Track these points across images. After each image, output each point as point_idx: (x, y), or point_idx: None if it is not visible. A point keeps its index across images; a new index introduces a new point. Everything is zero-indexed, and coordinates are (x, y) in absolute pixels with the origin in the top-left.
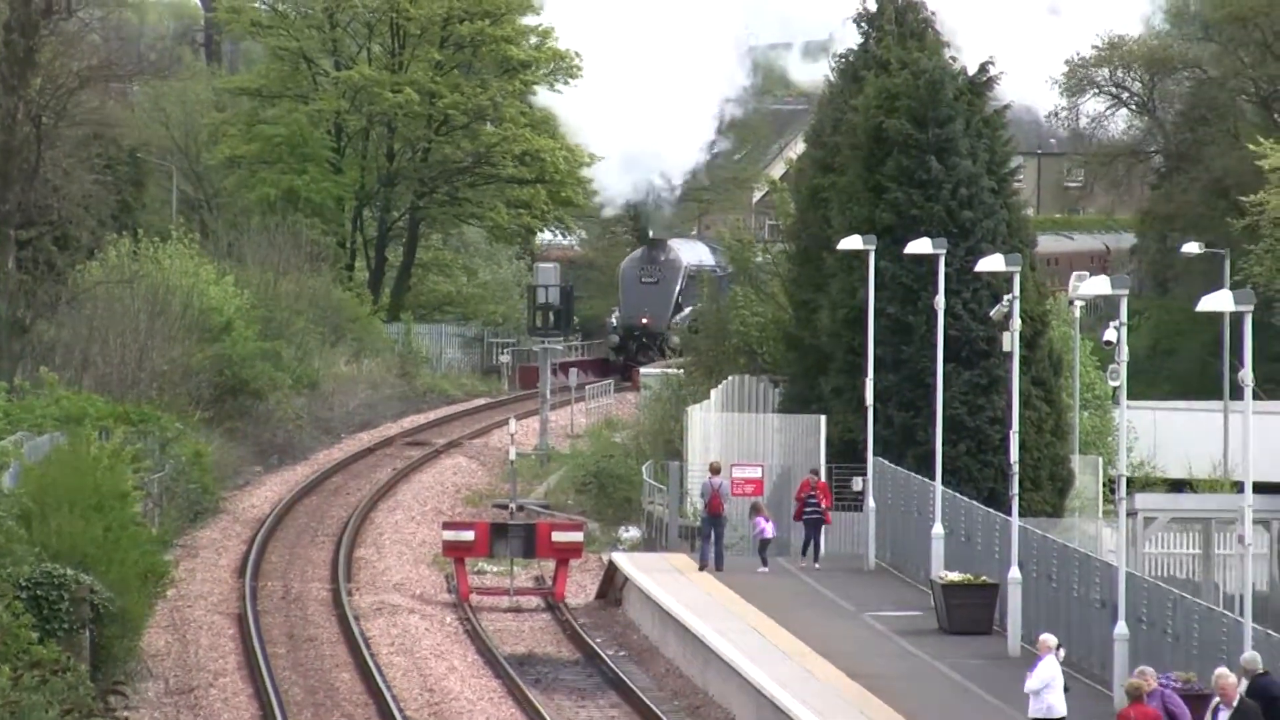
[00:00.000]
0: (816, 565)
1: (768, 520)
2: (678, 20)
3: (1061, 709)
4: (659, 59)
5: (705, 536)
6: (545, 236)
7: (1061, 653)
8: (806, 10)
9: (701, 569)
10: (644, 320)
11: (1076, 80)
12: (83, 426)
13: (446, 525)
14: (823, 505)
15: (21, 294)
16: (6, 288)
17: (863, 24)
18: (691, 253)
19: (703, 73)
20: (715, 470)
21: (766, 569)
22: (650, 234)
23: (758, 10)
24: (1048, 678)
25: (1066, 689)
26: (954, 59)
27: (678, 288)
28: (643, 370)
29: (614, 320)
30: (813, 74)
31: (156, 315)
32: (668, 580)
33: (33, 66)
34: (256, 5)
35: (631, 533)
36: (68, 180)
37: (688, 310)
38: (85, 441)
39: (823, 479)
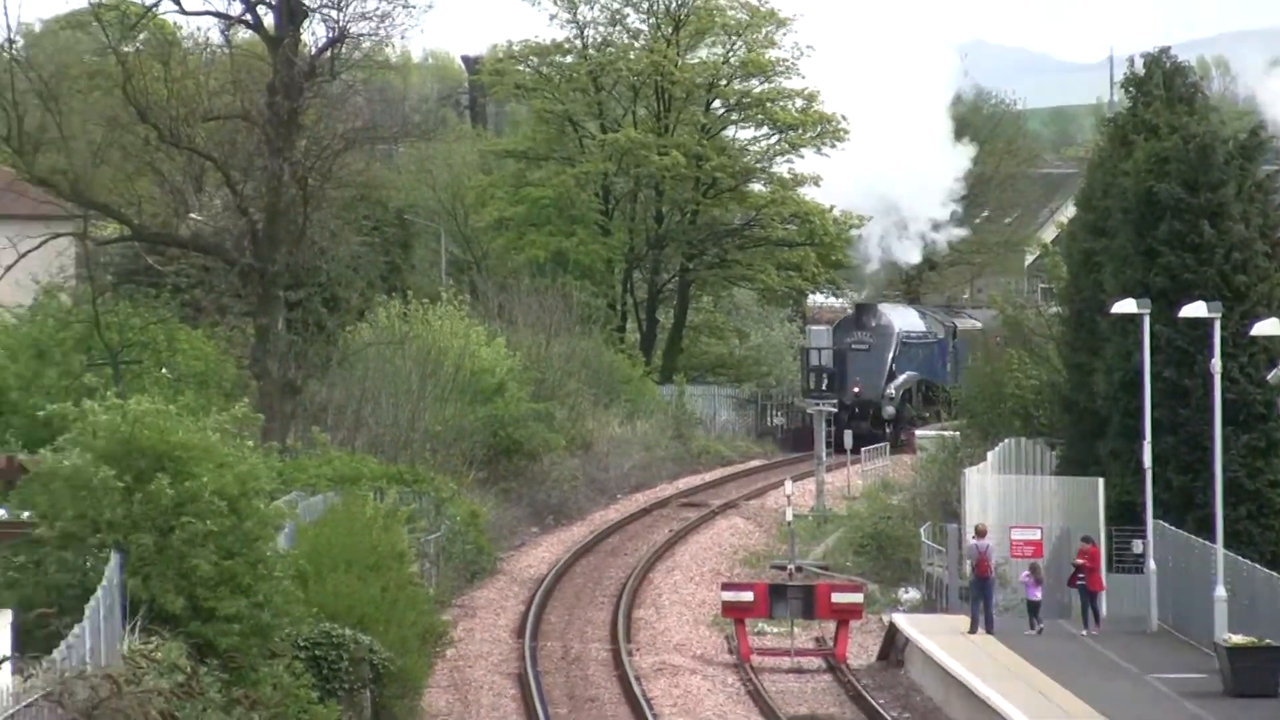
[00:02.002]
0: (1087, 632)
1: (1037, 583)
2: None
3: None
4: (901, 117)
5: (974, 599)
6: (817, 299)
7: None
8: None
9: (971, 631)
10: (855, 389)
11: None
12: (358, 486)
13: (725, 586)
14: (1087, 572)
15: (292, 355)
16: (277, 348)
17: (1131, 88)
18: (903, 319)
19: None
20: (981, 533)
21: (1032, 631)
22: (858, 299)
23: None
24: None
25: None
26: (1222, 123)
27: (890, 354)
28: (918, 432)
29: None
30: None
31: (428, 376)
32: (949, 642)
33: (297, 129)
34: (520, 68)
35: (911, 594)
36: (335, 242)
37: (902, 378)
38: (360, 501)
39: (1093, 545)
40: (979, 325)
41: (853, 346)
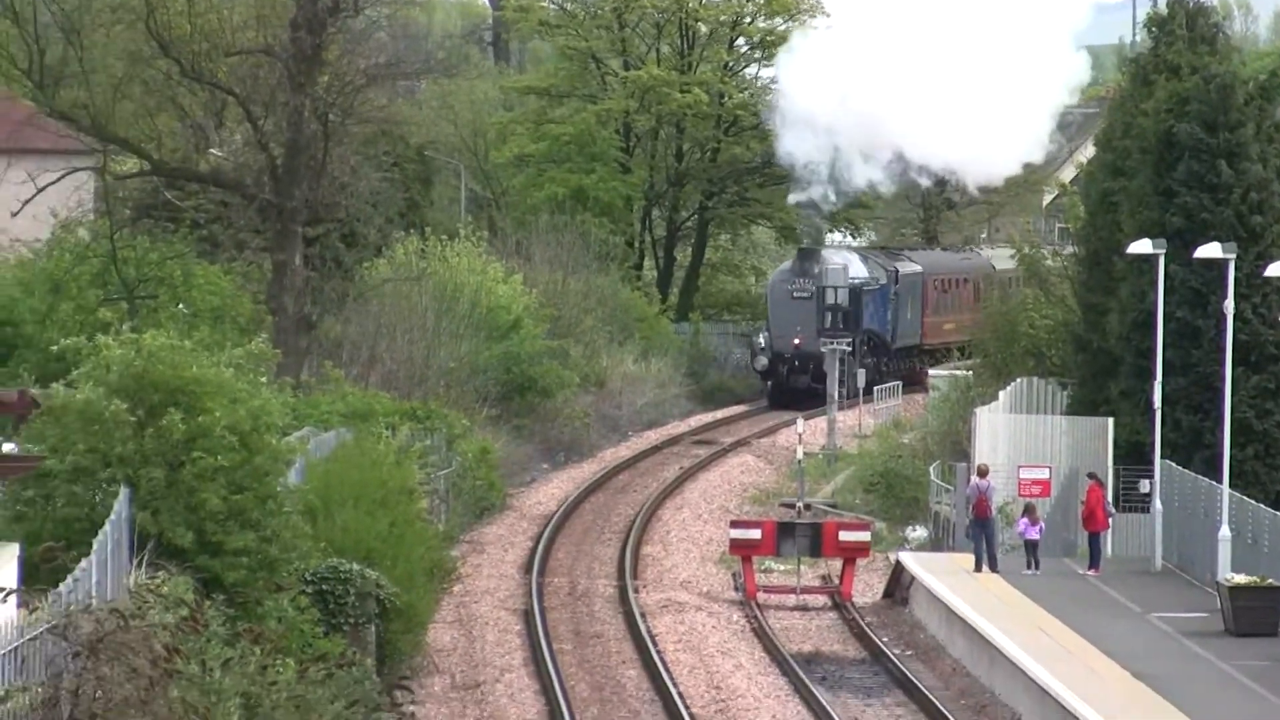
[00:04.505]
0: (1089, 571)
1: (1033, 523)
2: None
3: None
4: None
5: (976, 538)
6: (834, 237)
7: None
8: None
9: (976, 570)
10: (796, 341)
11: None
12: (369, 423)
13: (734, 524)
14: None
15: (309, 290)
16: (294, 284)
17: (1153, 28)
18: (847, 265)
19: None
20: (982, 473)
21: (1032, 571)
22: (802, 244)
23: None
24: None
25: None
26: (1243, 64)
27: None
28: (931, 371)
29: (761, 340)
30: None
31: (444, 313)
32: (954, 580)
33: (320, 64)
34: (545, 5)
35: (918, 532)
36: (355, 178)
37: None
38: (372, 437)
39: (1097, 483)
40: (920, 269)
41: (794, 295)
